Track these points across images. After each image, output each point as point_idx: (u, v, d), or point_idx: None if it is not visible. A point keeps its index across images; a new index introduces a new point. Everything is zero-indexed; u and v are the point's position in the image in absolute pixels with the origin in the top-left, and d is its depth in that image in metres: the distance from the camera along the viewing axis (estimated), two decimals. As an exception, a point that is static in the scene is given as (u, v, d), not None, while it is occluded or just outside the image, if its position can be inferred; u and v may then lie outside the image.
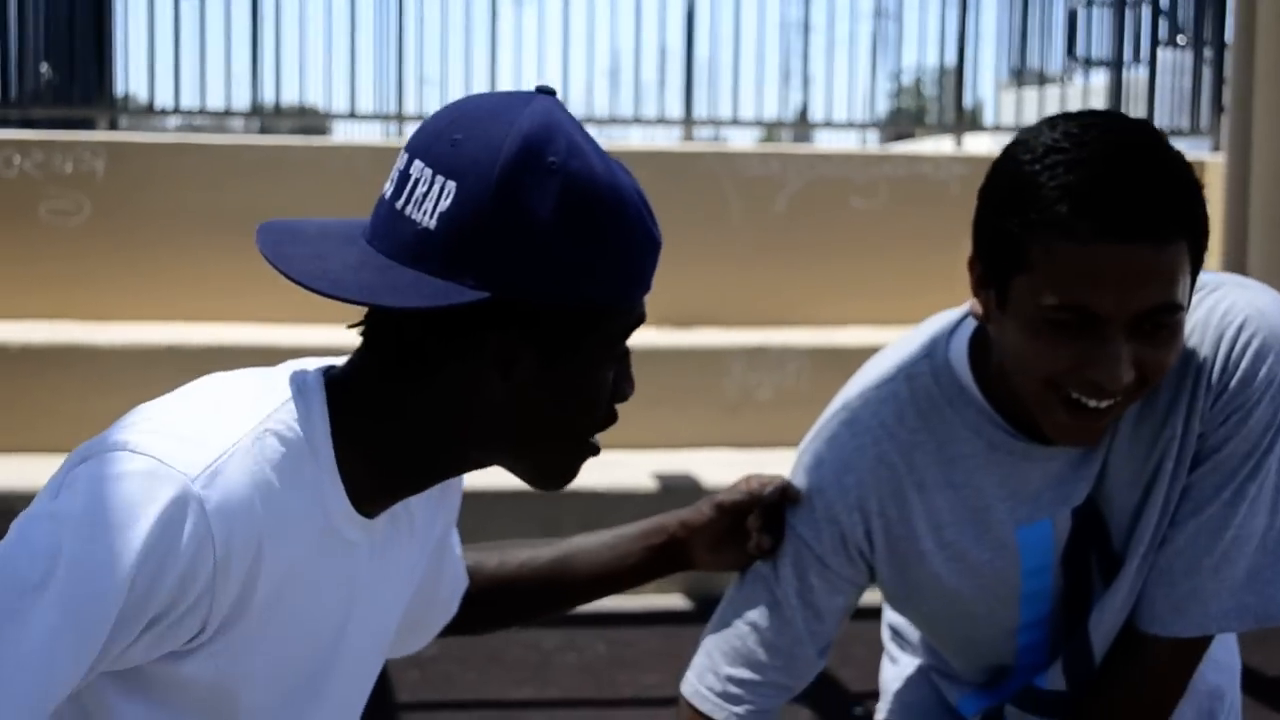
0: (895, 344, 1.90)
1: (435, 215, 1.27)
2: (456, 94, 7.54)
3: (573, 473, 1.43)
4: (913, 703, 2.08)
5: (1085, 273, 1.55)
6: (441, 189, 1.27)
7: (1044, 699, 1.86)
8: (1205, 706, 1.94)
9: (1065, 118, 1.63)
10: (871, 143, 8.48)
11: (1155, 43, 7.67)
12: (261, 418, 1.30)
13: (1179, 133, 7.28)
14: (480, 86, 7.35)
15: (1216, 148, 7.13)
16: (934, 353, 1.83)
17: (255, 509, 1.26)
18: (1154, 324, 1.58)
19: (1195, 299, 1.73)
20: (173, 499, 1.21)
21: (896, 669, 2.15)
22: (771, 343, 5.66)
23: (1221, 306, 1.73)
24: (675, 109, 7.28)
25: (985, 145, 7.73)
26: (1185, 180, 1.58)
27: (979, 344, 1.79)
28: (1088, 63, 8.19)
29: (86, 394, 5.16)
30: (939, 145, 8.26)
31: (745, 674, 1.87)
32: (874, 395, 1.85)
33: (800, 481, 1.87)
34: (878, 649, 2.20)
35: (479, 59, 7.30)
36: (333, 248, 1.33)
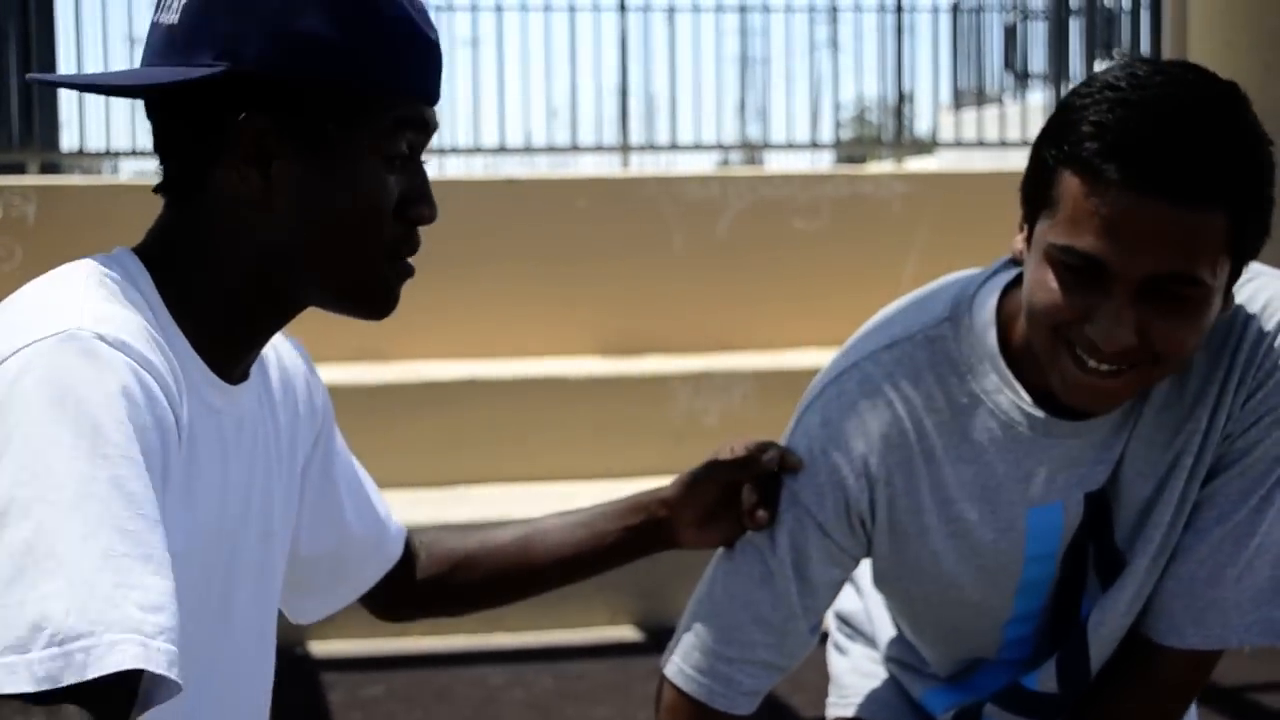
0: (912, 300, 1.77)
1: (179, 10, 1.28)
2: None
3: (382, 293, 1.35)
4: (873, 695, 1.98)
5: (1100, 219, 1.44)
6: None
7: (1031, 700, 1.77)
8: None
9: (1149, 62, 1.50)
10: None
11: (1092, 57, 7.70)
12: (84, 273, 1.24)
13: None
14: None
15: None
16: (957, 315, 1.69)
17: (141, 326, 1.20)
18: (1169, 293, 1.46)
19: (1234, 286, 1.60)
20: (82, 349, 1.12)
21: (848, 660, 2.05)
22: (717, 367, 5.61)
23: (1262, 297, 1.61)
24: (621, 139, 7.25)
25: (930, 166, 7.74)
26: (1246, 149, 1.44)
27: (1005, 309, 1.66)
28: (1025, 77, 8.22)
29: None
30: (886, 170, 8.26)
31: (734, 652, 1.74)
32: (889, 356, 1.71)
33: (803, 442, 1.73)
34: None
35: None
36: (107, 74, 1.41)
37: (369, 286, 1.34)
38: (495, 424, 5.24)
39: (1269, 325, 1.60)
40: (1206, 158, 1.42)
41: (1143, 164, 1.42)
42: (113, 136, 6.77)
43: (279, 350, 1.52)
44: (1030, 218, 1.55)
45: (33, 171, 6.59)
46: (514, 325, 5.86)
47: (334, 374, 5.21)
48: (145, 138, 6.58)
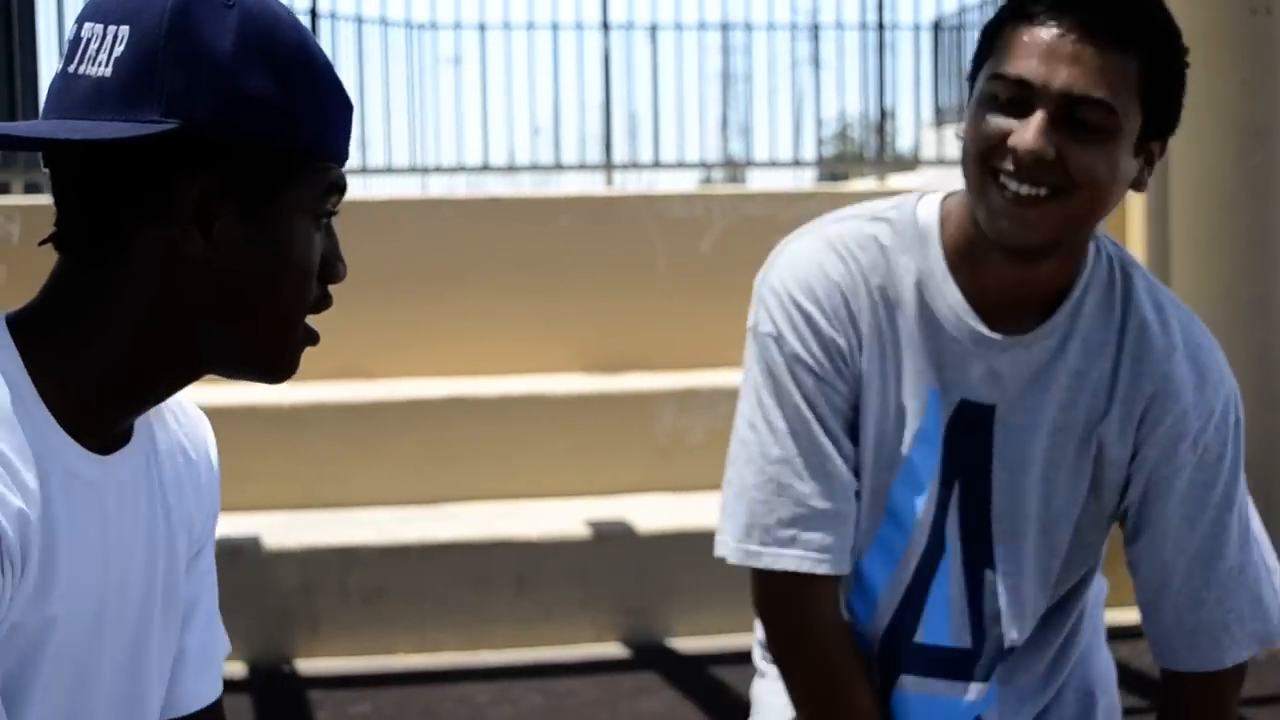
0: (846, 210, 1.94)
1: (110, 63, 1.23)
2: (379, 154, 7.53)
3: (291, 359, 1.34)
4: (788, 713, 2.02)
5: (1028, 47, 1.67)
6: (115, 37, 1.23)
7: (943, 657, 1.86)
8: (1085, 703, 1.97)
9: None
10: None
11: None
12: None
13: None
14: (400, 145, 7.35)
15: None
16: (902, 206, 1.87)
17: None
18: (1081, 119, 1.66)
19: (1165, 314, 1.83)
20: None
21: (765, 682, 2.10)
22: (702, 385, 5.62)
23: (1165, 302, 1.85)
24: (605, 158, 7.28)
25: (913, 183, 7.76)
26: (1156, 11, 1.71)
27: (946, 209, 1.84)
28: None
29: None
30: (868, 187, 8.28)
31: (788, 511, 1.81)
32: (838, 227, 1.88)
33: (780, 295, 1.85)
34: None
35: (397, 118, 7.28)
36: (34, 125, 1.26)
37: (280, 349, 1.33)
38: (479, 442, 5.24)
39: (1175, 338, 1.82)
40: (1122, 8, 1.68)
41: (1068, 5, 1.67)
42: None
43: (184, 426, 1.47)
44: (972, 86, 1.76)
45: (16, 191, 6.58)
46: (497, 343, 5.87)
47: (317, 392, 5.21)
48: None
